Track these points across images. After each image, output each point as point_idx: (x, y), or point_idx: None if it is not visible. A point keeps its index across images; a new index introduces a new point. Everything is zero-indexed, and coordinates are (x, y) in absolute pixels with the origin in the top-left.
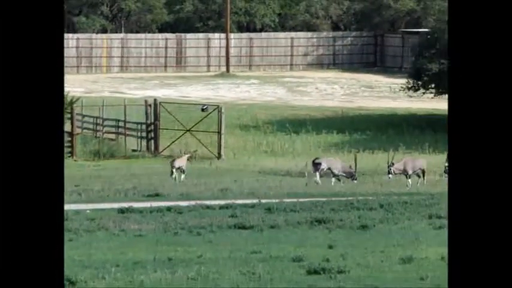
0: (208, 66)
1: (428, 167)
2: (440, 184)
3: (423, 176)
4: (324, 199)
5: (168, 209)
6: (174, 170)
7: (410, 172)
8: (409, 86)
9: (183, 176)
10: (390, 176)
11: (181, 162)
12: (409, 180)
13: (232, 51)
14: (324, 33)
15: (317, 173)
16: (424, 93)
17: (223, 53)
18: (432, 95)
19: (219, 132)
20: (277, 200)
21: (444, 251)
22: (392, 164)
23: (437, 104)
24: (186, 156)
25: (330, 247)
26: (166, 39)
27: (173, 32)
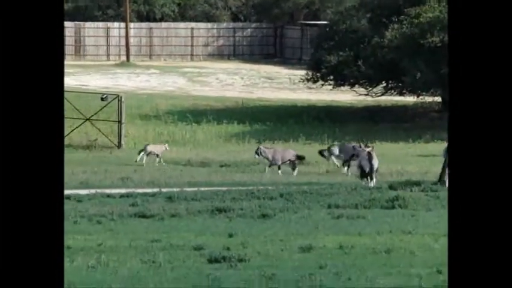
0: (108, 55)
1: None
2: (332, 174)
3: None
4: (224, 188)
5: (67, 197)
6: (142, 154)
7: (279, 162)
8: (308, 77)
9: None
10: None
11: (157, 149)
12: (279, 171)
13: (132, 40)
14: (224, 24)
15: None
16: (323, 84)
17: (123, 42)
18: (331, 86)
19: (119, 122)
20: (178, 189)
21: (342, 239)
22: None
23: (336, 95)
24: (165, 145)
25: (231, 236)
26: (65, 27)
27: (71, 20)
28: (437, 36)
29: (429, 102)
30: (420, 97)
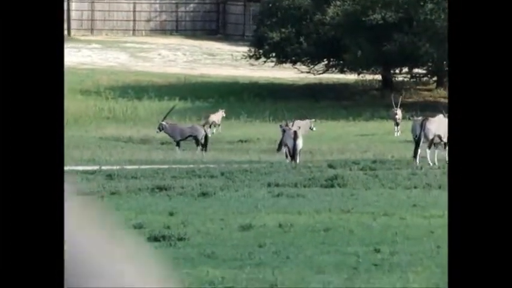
0: None
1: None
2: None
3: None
4: (165, 166)
5: None
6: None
7: (177, 138)
8: (251, 54)
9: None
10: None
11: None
12: (177, 148)
13: (73, 14)
14: None
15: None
16: (265, 61)
17: (64, 16)
18: (273, 63)
19: None
20: (118, 167)
21: (282, 217)
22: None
23: (278, 72)
24: (222, 111)
25: (171, 214)
26: None
27: None
28: (378, 13)
29: (369, 80)
30: (361, 75)
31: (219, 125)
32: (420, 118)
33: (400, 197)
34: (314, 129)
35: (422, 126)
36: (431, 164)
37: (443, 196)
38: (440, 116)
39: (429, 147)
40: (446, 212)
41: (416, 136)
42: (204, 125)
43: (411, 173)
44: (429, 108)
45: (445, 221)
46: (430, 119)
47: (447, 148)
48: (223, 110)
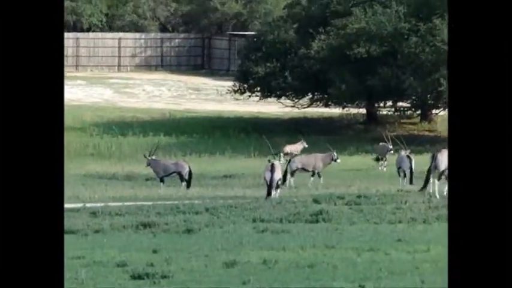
0: None
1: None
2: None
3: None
4: (150, 203)
5: None
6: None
7: (160, 175)
8: (236, 89)
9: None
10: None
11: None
12: (161, 184)
13: None
14: (152, 35)
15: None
16: (250, 96)
17: None
18: (258, 98)
19: None
20: (102, 204)
21: (266, 254)
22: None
23: (263, 107)
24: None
25: (155, 251)
26: None
27: None
28: (363, 47)
29: (354, 114)
30: (345, 109)
31: (296, 155)
32: (403, 152)
33: (385, 231)
34: (338, 161)
35: (434, 157)
36: (438, 196)
37: (427, 231)
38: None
39: (439, 179)
40: (431, 247)
41: (399, 168)
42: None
43: (396, 207)
44: (414, 142)
45: (429, 256)
46: (443, 150)
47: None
48: (303, 141)
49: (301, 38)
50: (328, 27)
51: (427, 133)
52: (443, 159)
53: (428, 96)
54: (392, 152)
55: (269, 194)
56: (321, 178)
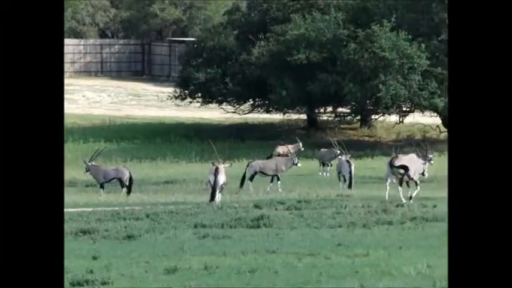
0: None
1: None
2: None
3: (123, 185)
4: (90, 209)
5: None
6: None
7: (100, 181)
8: (176, 95)
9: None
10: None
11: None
12: (101, 190)
13: None
14: (91, 41)
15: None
16: (191, 102)
17: None
18: (199, 104)
19: None
20: None
21: (207, 259)
22: None
23: (204, 113)
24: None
25: (95, 258)
26: None
27: None
28: (303, 53)
29: (295, 119)
30: (286, 115)
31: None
32: (343, 157)
33: (325, 236)
34: (299, 165)
35: (391, 163)
36: (404, 200)
37: (367, 235)
38: (413, 155)
39: (400, 185)
40: (370, 251)
41: (339, 173)
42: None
43: (336, 212)
44: (354, 147)
45: (369, 260)
46: (400, 156)
47: (418, 187)
48: (300, 143)
49: (242, 44)
50: (268, 34)
51: (366, 138)
52: (401, 163)
53: (368, 101)
54: (340, 157)
55: (213, 197)
56: (279, 182)
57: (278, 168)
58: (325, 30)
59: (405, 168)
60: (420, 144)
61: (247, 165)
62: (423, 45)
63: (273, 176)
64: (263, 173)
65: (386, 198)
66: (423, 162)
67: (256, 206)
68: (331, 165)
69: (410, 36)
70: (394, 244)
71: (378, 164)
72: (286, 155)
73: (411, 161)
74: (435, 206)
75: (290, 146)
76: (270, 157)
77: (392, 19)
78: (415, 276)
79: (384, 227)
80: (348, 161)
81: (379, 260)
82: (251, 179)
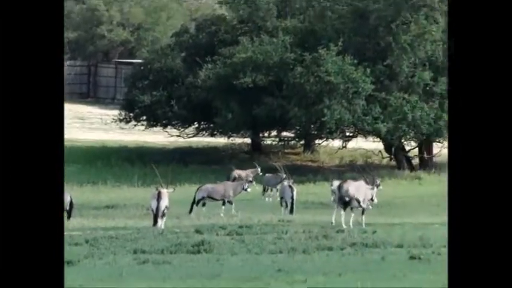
0: None
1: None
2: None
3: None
4: None
5: None
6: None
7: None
8: (121, 117)
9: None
10: None
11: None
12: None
13: None
14: None
15: None
16: (135, 125)
17: None
18: (143, 127)
19: None
20: None
21: (146, 285)
22: None
23: (148, 136)
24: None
25: None
26: None
27: None
28: (249, 76)
29: (239, 143)
30: (231, 138)
31: (250, 181)
32: (286, 182)
33: (266, 262)
34: (248, 190)
35: (340, 188)
36: (344, 226)
37: (307, 260)
38: (361, 181)
39: (344, 209)
40: (309, 277)
41: (282, 198)
42: (233, 180)
43: (277, 237)
44: (297, 172)
45: (308, 286)
46: (349, 181)
47: (363, 216)
48: (258, 168)
49: (189, 66)
50: (216, 56)
51: (310, 163)
52: (349, 189)
53: (312, 126)
54: (283, 182)
55: (155, 222)
56: (233, 206)
57: (226, 193)
58: (273, 53)
59: (358, 201)
60: (365, 169)
61: (197, 189)
62: (368, 70)
63: (224, 201)
64: (211, 198)
65: (333, 222)
66: (371, 187)
67: (197, 231)
68: (277, 189)
69: (356, 61)
70: (333, 270)
71: (320, 189)
72: (241, 179)
73: (360, 187)
74: (375, 232)
75: (248, 171)
76: (227, 179)
77: (339, 43)
78: None
79: (324, 253)
80: (290, 186)
81: (318, 285)
82: (200, 203)
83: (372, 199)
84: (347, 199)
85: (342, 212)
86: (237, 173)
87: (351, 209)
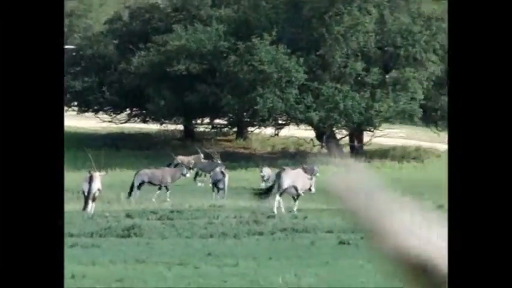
0: None
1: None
2: None
3: None
4: None
5: None
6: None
7: None
8: None
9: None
10: None
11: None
12: None
13: None
14: None
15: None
16: (67, 110)
17: None
18: (75, 112)
19: None
20: None
21: (75, 268)
22: None
23: (80, 121)
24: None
25: None
26: None
27: None
28: (183, 64)
29: (172, 130)
30: (163, 125)
31: (190, 167)
32: (218, 168)
33: (196, 246)
34: (187, 175)
35: (279, 175)
36: (276, 211)
37: (237, 245)
38: (300, 170)
39: (280, 195)
40: (239, 261)
41: (214, 183)
42: (175, 166)
43: (208, 222)
44: (229, 158)
45: (238, 269)
46: (288, 169)
47: (297, 201)
48: (201, 154)
49: (122, 53)
50: (149, 44)
51: (242, 150)
52: (286, 178)
53: (245, 113)
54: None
55: (86, 206)
56: (168, 192)
57: (164, 179)
58: (206, 41)
59: (295, 188)
60: (295, 156)
61: (136, 174)
62: (301, 60)
63: (160, 186)
64: (150, 183)
65: (275, 209)
66: (309, 177)
67: (128, 216)
68: (210, 175)
69: (289, 50)
70: (263, 255)
71: (252, 176)
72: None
73: (298, 176)
74: (305, 218)
75: (191, 157)
76: (169, 166)
77: (273, 33)
78: (283, 286)
79: (254, 238)
80: (222, 172)
81: (248, 269)
82: (139, 187)
83: (309, 189)
84: (285, 186)
85: (277, 198)
86: (179, 158)
87: (293, 197)
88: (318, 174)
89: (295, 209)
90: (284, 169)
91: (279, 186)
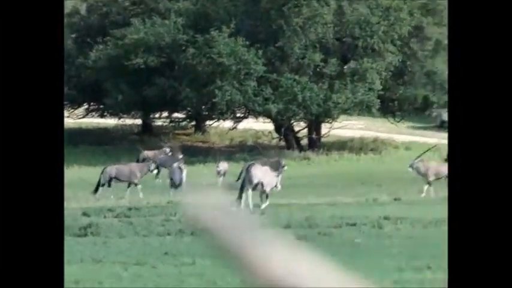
0: None
1: None
2: None
3: None
4: None
5: None
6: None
7: None
8: None
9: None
10: None
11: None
12: None
13: None
14: None
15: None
16: None
17: None
18: None
19: None
20: None
21: None
22: None
23: None
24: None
25: None
26: None
27: None
28: (141, 57)
29: (130, 124)
30: (121, 119)
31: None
32: (175, 164)
33: (153, 244)
34: (154, 171)
35: (248, 171)
36: (251, 207)
37: (195, 243)
38: (267, 167)
39: (253, 190)
40: (196, 260)
41: (171, 179)
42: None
43: (165, 219)
44: (187, 153)
45: (195, 269)
46: (257, 165)
47: (267, 201)
48: (166, 148)
49: (79, 47)
50: (107, 37)
51: (200, 144)
52: (256, 173)
53: (203, 107)
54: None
55: None
56: (139, 186)
57: (131, 174)
58: (165, 34)
59: (262, 185)
60: (253, 150)
61: (103, 171)
62: (260, 52)
63: (129, 183)
64: (118, 179)
65: (250, 205)
66: (276, 175)
67: (85, 214)
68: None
69: (248, 43)
70: None
71: (210, 171)
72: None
73: (266, 172)
74: (263, 213)
75: (157, 152)
76: (137, 161)
77: (232, 25)
78: (240, 285)
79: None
80: (179, 167)
81: (205, 268)
82: (109, 184)
83: (276, 186)
84: (255, 182)
85: (249, 193)
86: (146, 153)
87: (263, 194)
88: (285, 168)
89: (263, 206)
90: (254, 164)
91: (249, 181)
